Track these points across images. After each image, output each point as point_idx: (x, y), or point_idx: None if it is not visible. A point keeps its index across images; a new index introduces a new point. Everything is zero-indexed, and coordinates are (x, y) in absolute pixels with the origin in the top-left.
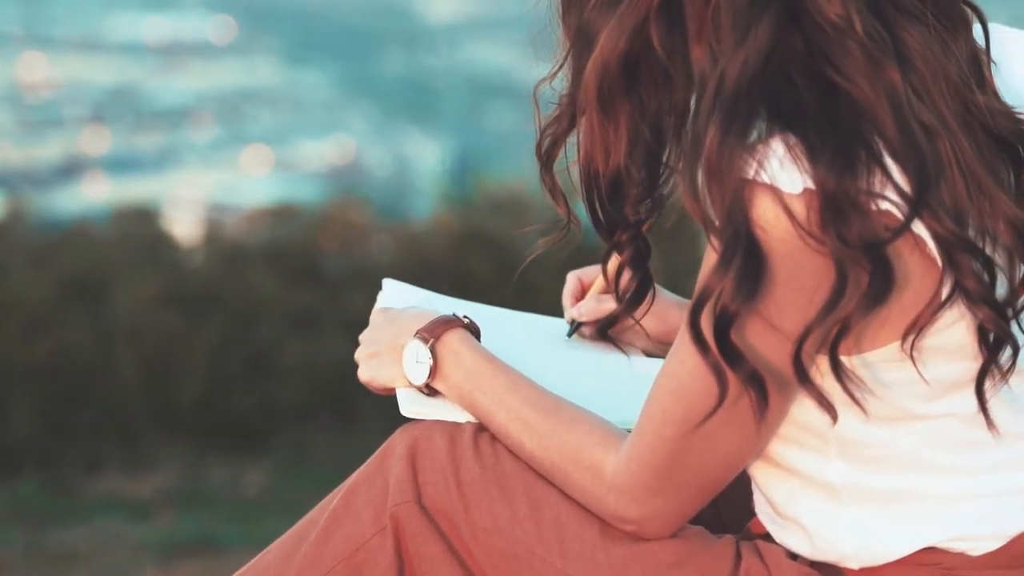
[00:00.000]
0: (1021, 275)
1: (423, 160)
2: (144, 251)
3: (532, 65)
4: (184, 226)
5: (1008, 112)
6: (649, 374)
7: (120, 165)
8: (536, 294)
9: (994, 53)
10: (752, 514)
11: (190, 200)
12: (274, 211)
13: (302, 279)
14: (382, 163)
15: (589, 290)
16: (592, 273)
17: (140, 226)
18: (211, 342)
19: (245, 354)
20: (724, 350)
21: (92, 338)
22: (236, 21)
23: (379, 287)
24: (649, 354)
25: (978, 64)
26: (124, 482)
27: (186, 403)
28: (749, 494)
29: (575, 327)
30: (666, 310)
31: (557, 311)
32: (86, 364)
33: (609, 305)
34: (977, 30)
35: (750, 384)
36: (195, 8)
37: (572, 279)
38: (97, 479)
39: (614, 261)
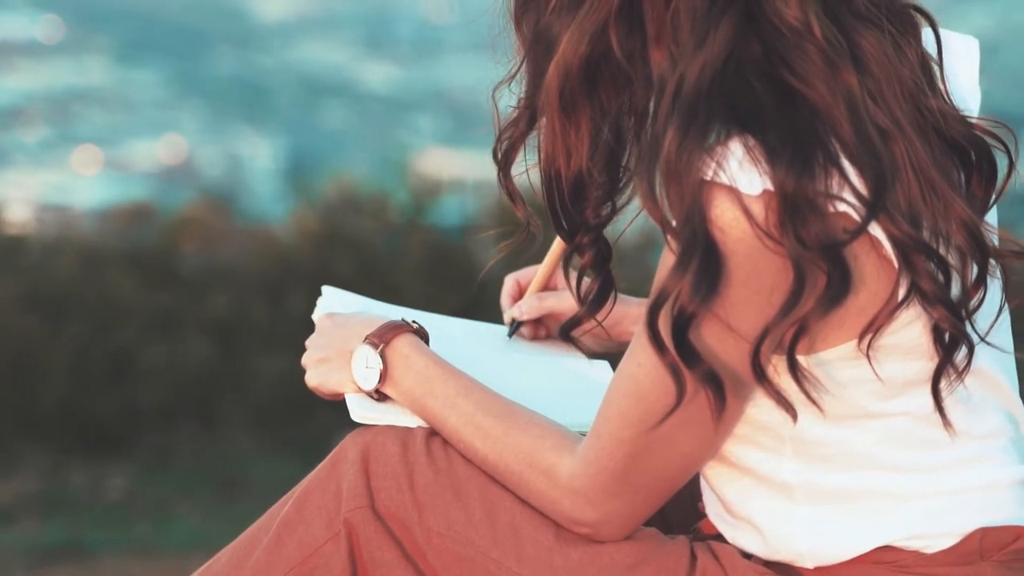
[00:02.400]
0: (974, 276)
1: (256, 159)
2: None
3: (364, 63)
4: (17, 228)
5: (959, 115)
6: (592, 375)
7: None
8: (397, 293)
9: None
10: (698, 515)
11: (20, 201)
12: (128, 211)
13: (160, 281)
14: (214, 162)
15: (527, 290)
16: (528, 274)
17: None
18: (70, 345)
19: (104, 357)
20: (682, 351)
21: None
22: (64, 20)
23: (239, 288)
24: (592, 354)
25: (928, 68)
26: None
27: (45, 407)
28: (694, 495)
29: (515, 327)
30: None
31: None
32: None
33: (550, 303)
34: (926, 35)
35: (707, 384)
36: (22, 7)
37: (510, 280)
38: None
39: (551, 262)
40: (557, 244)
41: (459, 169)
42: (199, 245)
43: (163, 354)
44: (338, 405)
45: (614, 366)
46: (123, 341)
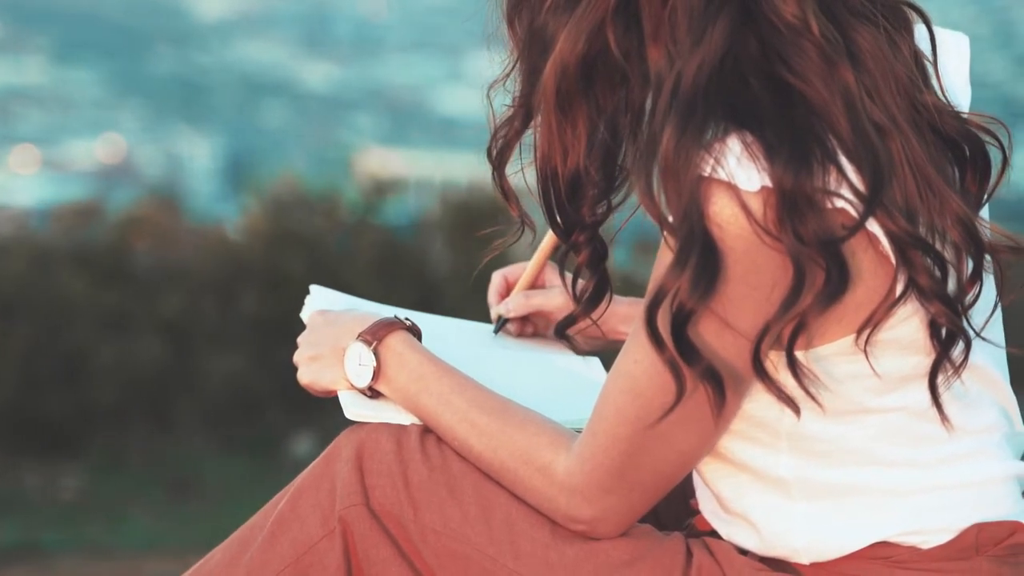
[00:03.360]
0: (969, 271)
1: (196, 158)
2: None
3: (303, 62)
4: None
5: (953, 111)
6: (583, 372)
7: None
8: (349, 292)
9: (930, 53)
10: (689, 512)
11: None
12: (74, 210)
13: (111, 280)
14: (154, 161)
15: (514, 287)
16: (517, 271)
17: None
18: (21, 345)
19: (56, 357)
20: (681, 347)
21: None
22: (1, 20)
23: (191, 288)
24: (580, 352)
25: (922, 64)
26: None
27: None
28: (685, 492)
29: (501, 324)
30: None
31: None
32: None
33: (536, 300)
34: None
35: (706, 381)
36: None
37: (497, 277)
38: None
39: (539, 260)
40: (546, 242)
41: (399, 168)
42: (148, 244)
43: (115, 354)
44: (289, 405)
45: (605, 363)
46: (74, 341)
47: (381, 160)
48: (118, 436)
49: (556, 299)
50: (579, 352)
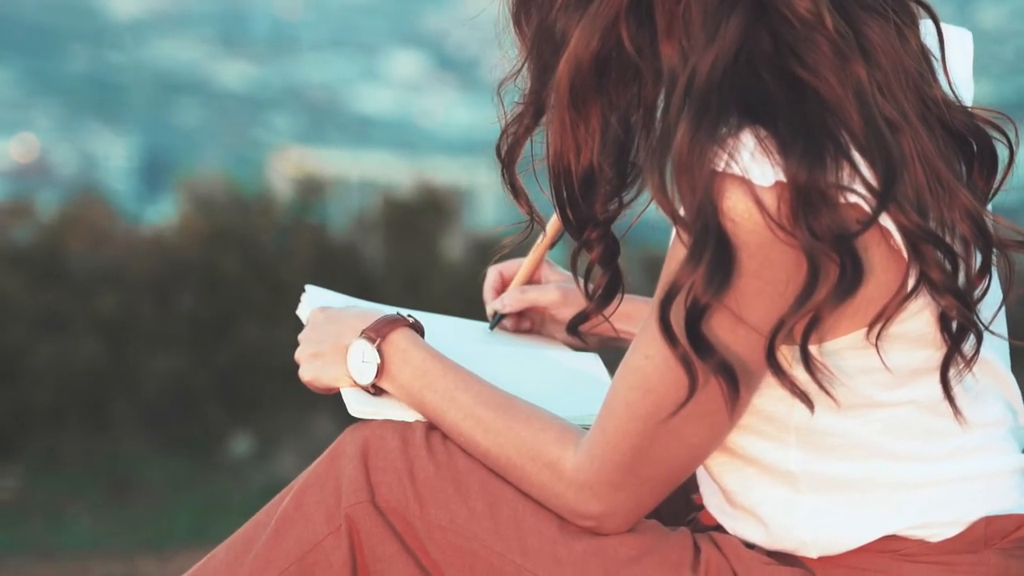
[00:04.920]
0: (978, 265)
1: (111, 158)
2: None
3: (219, 61)
4: None
5: (961, 106)
6: (583, 367)
7: None
8: (286, 291)
9: (934, 49)
10: (689, 507)
11: None
12: (8, 210)
13: (46, 280)
14: (68, 161)
15: (510, 283)
16: (512, 267)
17: None
18: None
19: None
20: (694, 342)
21: None
22: None
23: (128, 287)
24: (586, 348)
25: (928, 59)
26: None
27: None
28: (687, 487)
29: (497, 319)
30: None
31: None
32: None
33: (532, 296)
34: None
35: (720, 375)
36: None
37: (493, 272)
38: None
39: (536, 257)
40: (543, 238)
41: (317, 166)
42: (82, 244)
43: (51, 354)
44: (227, 404)
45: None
46: (10, 341)
47: (299, 159)
48: (56, 436)
49: (551, 295)
50: (587, 348)
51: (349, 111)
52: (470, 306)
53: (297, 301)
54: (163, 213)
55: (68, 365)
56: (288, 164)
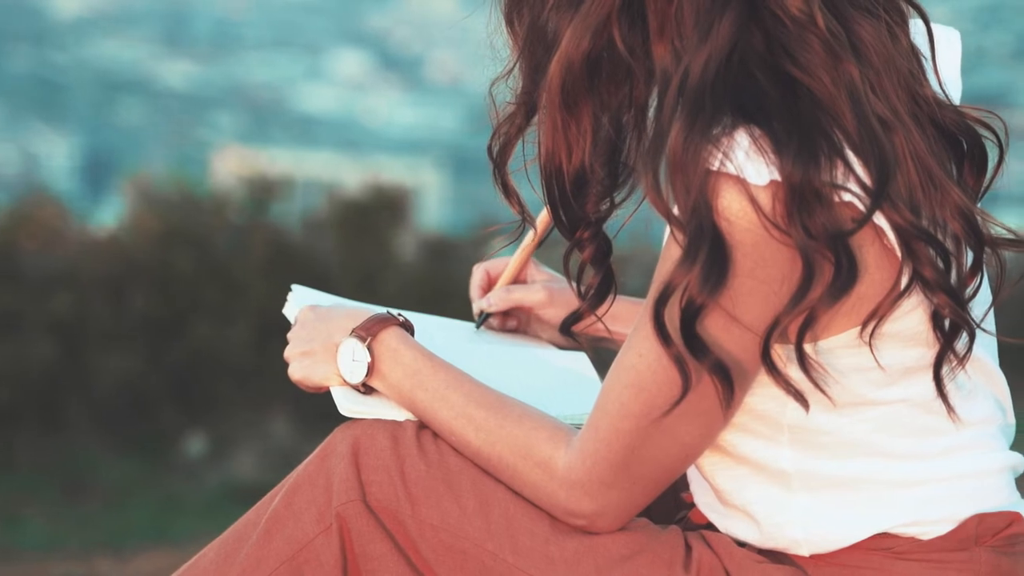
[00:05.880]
0: (969, 263)
1: (53, 157)
2: None
3: (161, 60)
4: None
5: (952, 105)
6: (572, 366)
7: None
8: (240, 291)
9: (923, 48)
10: (679, 505)
11: None
12: None
13: None
14: (10, 160)
15: (497, 281)
16: (499, 265)
17: None
18: None
19: None
20: (690, 342)
21: None
22: None
23: (81, 287)
24: (559, 346)
25: (918, 58)
26: None
27: None
28: (676, 485)
29: (483, 318)
30: (573, 300)
31: (265, 308)
32: None
33: (518, 295)
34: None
35: (715, 375)
36: None
37: (479, 271)
38: None
39: (523, 256)
40: (529, 238)
41: (260, 166)
42: (35, 244)
43: (3, 354)
44: (182, 403)
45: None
46: None
47: (242, 158)
48: (9, 437)
49: (537, 294)
50: (574, 347)
51: (293, 110)
52: (423, 305)
53: (251, 300)
54: (109, 213)
55: (21, 365)
56: (232, 163)
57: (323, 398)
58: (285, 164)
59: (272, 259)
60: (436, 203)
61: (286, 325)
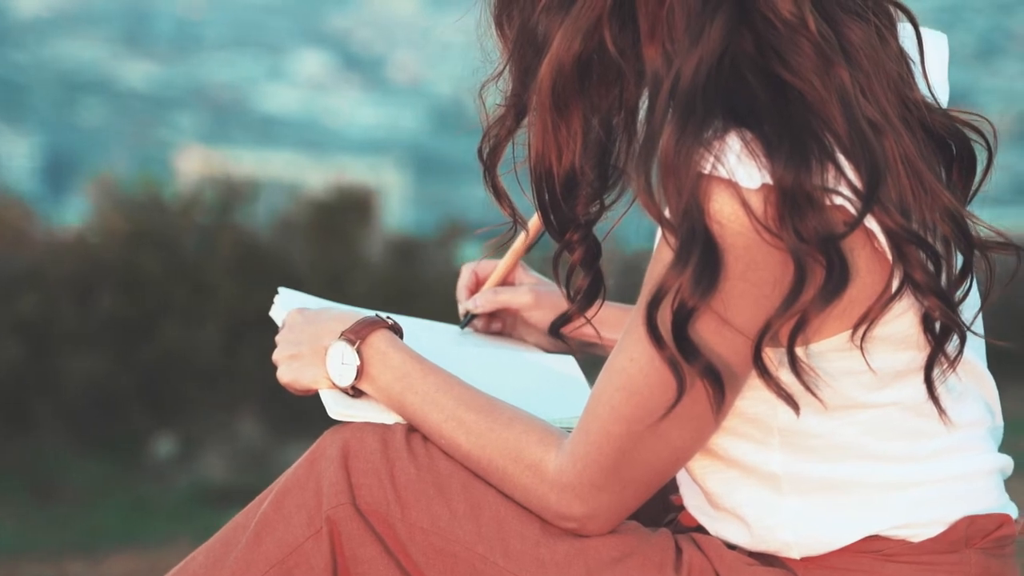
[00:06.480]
0: (959, 266)
1: (13, 158)
2: None
3: (122, 60)
4: None
5: (941, 108)
6: (560, 369)
7: None
8: (209, 292)
9: (912, 52)
10: (667, 508)
11: None
12: None
13: None
14: None
15: (484, 283)
16: (487, 267)
17: None
18: None
19: None
20: (681, 345)
21: None
22: None
23: (47, 288)
24: (545, 349)
25: (907, 62)
26: None
27: None
28: (665, 488)
29: (468, 319)
30: (560, 303)
31: (234, 309)
32: None
33: (504, 297)
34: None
35: (706, 378)
36: None
37: (467, 272)
38: None
39: (512, 258)
40: (519, 241)
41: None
42: (0, 245)
43: None
44: (150, 404)
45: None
46: None
47: (204, 158)
48: None
49: (524, 296)
50: (560, 351)
51: (254, 110)
52: (389, 305)
53: (219, 302)
54: (71, 213)
55: None
56: (195, 164)
57: (292, 400)
58: (248, 164)
59: (240, 260)
60: (399, 203)
61: (255, 326)
